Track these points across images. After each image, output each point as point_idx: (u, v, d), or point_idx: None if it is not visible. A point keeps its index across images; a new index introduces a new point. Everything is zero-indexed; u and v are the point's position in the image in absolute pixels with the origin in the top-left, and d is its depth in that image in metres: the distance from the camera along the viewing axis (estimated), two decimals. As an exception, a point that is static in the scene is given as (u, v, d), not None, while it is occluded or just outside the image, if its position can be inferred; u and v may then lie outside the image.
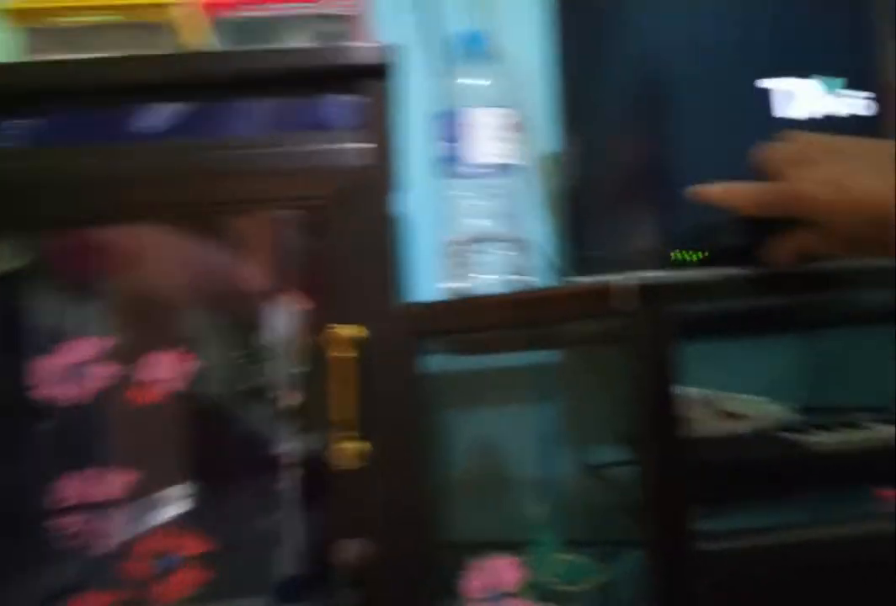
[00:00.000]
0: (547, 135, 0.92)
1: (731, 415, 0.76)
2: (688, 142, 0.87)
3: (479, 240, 0.69)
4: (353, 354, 0.59)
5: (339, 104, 0.64)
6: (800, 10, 0.88)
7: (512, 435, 0.95)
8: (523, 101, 0.96)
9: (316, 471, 0.63)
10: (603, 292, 0.59)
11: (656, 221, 0.78)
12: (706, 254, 0.63)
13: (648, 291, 0.58)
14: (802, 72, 0.85)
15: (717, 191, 0.61)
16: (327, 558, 0.62)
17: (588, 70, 0.87)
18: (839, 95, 0.85)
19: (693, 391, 0.73)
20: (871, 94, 0.86)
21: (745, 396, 0.77)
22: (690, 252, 0.62)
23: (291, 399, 0.66)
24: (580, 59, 0.86)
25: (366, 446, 0.60)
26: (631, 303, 0.57)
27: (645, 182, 0.87)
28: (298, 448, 0.66)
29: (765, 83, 0.85)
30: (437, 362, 0.92)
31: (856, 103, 0.86)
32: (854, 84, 0.85)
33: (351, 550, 0.62)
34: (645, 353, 0.58)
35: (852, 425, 0.74)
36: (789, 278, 0.61)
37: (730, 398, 0.77)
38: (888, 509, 0.66)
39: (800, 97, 0.86)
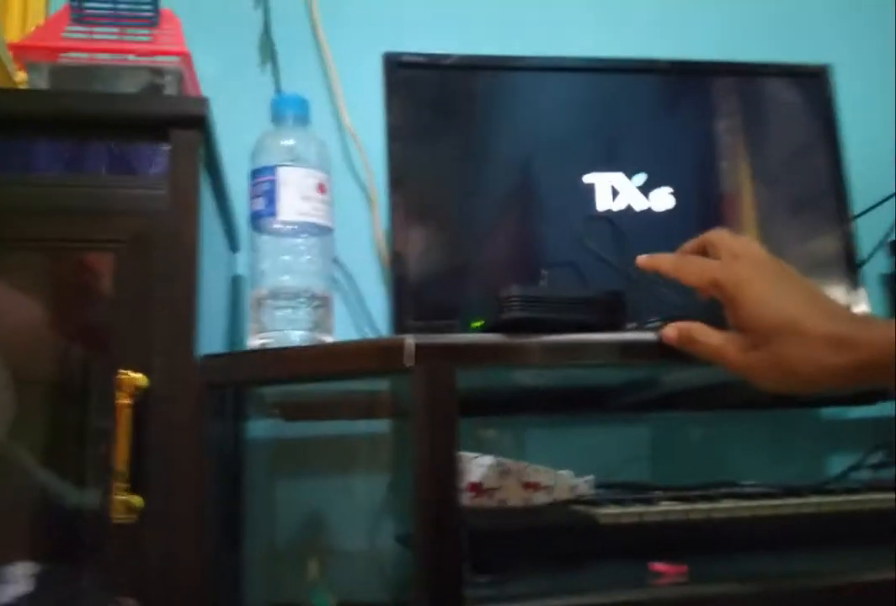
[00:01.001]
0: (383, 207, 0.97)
1: (532, 486, 0.79)
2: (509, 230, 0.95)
3: (284, 296, 0.72)
4: (130, 402, 0.59)
5: (148, 151, 0.67)
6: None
7: (334, 505, 0.96)
8: (360, 169, 1.02)
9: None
10: (395, 347, 0.60)
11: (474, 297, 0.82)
12: (486, 323, 0.65)
13: (428, 349, 0.60)
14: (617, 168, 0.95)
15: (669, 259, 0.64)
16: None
17: (421, 146, 0.93)
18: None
19: (490, 460, 0.76)
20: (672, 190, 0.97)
21: (545, 468, 0.80)
22: (477, 320, 0.64)
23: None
24: (414, 138, 0.93)
25: (137, 500, 0.60)
26: (410, 360, 0.59)
27: (472, 263, 0.93)
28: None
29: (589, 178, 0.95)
30: (264, 427, 0.93)
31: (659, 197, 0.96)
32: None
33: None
34: (423, 414, 0.60)
35: (645, 501, 0.78)
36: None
37: (533, 469, 0.80)
38: (657, 580, 0.69)
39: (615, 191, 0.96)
